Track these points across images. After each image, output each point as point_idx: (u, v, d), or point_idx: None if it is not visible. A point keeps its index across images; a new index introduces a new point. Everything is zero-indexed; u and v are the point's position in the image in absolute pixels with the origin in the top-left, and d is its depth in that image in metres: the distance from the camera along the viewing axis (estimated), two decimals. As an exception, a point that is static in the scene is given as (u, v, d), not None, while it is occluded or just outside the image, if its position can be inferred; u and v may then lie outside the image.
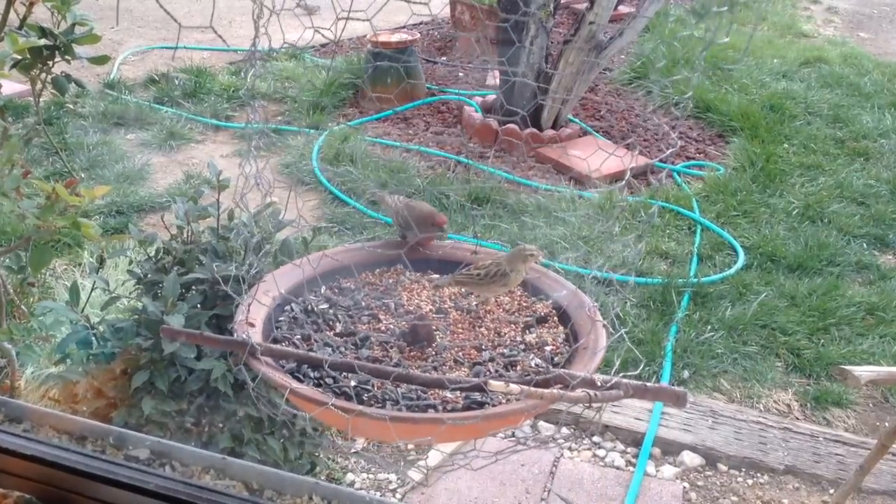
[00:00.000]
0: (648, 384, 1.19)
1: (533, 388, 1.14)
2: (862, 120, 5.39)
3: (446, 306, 1.51)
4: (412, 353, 1.36)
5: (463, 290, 1.53)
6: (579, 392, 1.16)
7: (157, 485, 0.86)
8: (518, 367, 1.33)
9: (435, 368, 1.32)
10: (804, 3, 8.25)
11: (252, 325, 1.31)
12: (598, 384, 1.18)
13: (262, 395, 1.22)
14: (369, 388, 1.25)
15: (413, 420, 1.17)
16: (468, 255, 1.58)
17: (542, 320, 1.46)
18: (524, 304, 1.51)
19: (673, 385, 3.22)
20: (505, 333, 1.43)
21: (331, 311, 1.46)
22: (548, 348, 1.37)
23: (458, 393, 1.23)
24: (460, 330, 1.44)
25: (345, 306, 1.48)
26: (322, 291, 1.52)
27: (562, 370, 1.21)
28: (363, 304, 1.49)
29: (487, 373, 1.30)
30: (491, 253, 1.61)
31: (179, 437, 1.84)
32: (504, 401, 1.21)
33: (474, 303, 1.52)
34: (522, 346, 1.39)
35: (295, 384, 1.19)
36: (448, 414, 1.18)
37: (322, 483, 1.11)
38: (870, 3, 8.52)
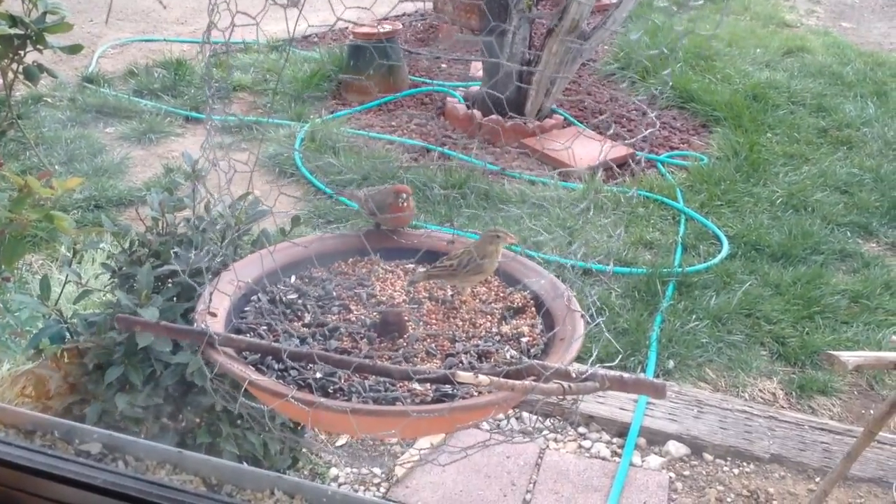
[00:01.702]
0: (626, 375, 1.16)
1: (503, 380, 1.11)
2: (845, 109, 5.39)
3: (421, 296, 1.48)
4: (382, 345, 1.33)
5: (437, 281, 1.50)
6: (552, 384, 1.13)
7: (106, 480, 0.82)
8: (492, 359, 1.30)
9: (406, 360, 1.29)
10: (786, -8, 8.25)
11: (213, 314, 1.28)
12: (573, 375, 1.14)
13: (220, 388, 1.18)
14: (335, 380, 1.21)
15: (376, 413, 1.14)
16: (443, 244, 1.55)
17: (519, 311, 1.43)
18: (501, 295, 1.48)
19: (658, 375, 3.21)
20: (480, 324, 1.40)
21: (300, 301, 1.43)
22: (524, 339, 1.34)
23: (427, 385, 1.20)
24: (434, 321, 1.41)
25: (315, 296, 1.45)
26: (292, 281, 1.48)
27: (534, 361, 1.17)
28: (334, 294, 1.46)
29: (460, 364, 1.27)
30: (465, 241, 1.58)
31: (155, 433, 1.81)
32: (476, 393, 1.18)
33: (450, 293, 1.49)
34: (498, 338, 1.36)
35: (254, 375, 1.15)
36: (413, 407, 1.15)
37: (284, 477, 1.07)
38: (852, -8, 8.54)
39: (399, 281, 1.51)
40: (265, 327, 1.35)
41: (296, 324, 1.38)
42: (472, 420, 1.15)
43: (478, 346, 1.33)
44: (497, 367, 1.21)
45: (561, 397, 1.13)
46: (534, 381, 1.12)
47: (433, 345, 1.33)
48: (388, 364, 1.20)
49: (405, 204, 1.56)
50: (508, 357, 1.29)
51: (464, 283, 1.46)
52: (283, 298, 1.43)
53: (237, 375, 1.15)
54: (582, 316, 1.31)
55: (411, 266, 1.53)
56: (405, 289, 1.49)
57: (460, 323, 1.41)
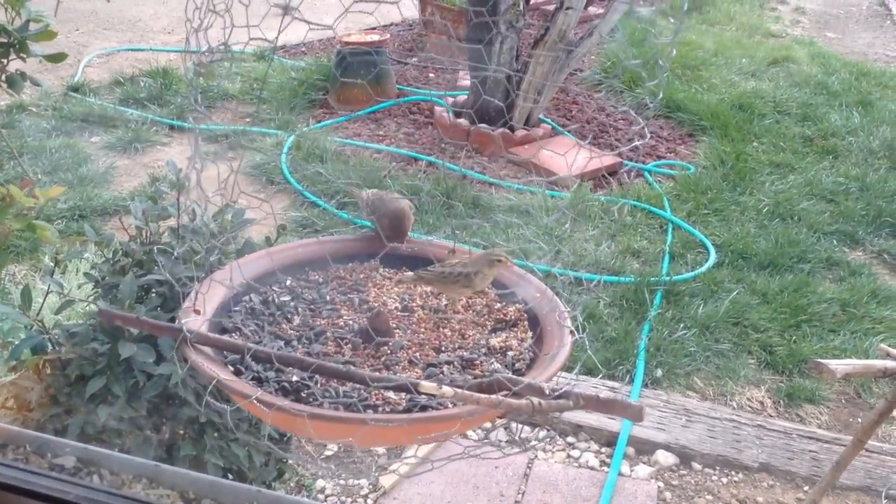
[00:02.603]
0: (602, 395, 1.12)
1: (467, 392, 1.08)
2: (830, 118, 5.43)
3: (414, 305, 1.47)
4: (366, 351, 1.32)
5: (430, 289, 1.49)
6: (522, 400, 1.09)
7: (79, 496, 0.79)
8: (475, 371, 1.28)
9: (387, 367, 1.28)
10: (772, 3, 8.31)
11: (198, 311, 1.28)
12: (547, 392, 1.11)
13: (188, 386, 1.17)
14: (310, 384, 1.21)
15: (333, 419, 1.13)
16: (443, 254, 1.54)
17: (512, 324, 1.42)
18: (496, 307, 1.47)
19: (646, 384, 3.20)
20: (470, 336, 1.38)
21: (292, 303, 1.43)
22: (510, 353, 1.33)
23: (402, 394, 1.19)
24: (423, 330, 1.40)
25: (308, 299, 1.45)
26: (287, 283, 1.48)
27: (502, 375, 1.15)
28: (327, 298, 1.45)
29: (441, 374, 1.26)
30: (465, 251, 1.56)
31: (138, 446, 1.78)
32: (451, 405, 1.16)
33: (444, 303, 1.47)
34: (485, 350, 1.34)
35: (223, 375, 1.15)
36: (371, 415, 1.13)
37: (264, 491, 1.05)
38: (836, 3, 8.61)
39: (395, 288, 1.50)
40: (253, 328, 1.34)
41: (284, 325, 1.38)
42: (437, 432, 1.13)
43: (462, 357, 1.31)
44: (471, 379, 1.19)
45: (530, 414, 1.10)
46: (505, 395, 1.09)
47: (417, 354, 1.32)
48: (348, 368, 1.19)
49: (400, 227, 1.56)
50: (491, 370, 1.28)
51: (451, 294, 1.45)
52: (276, 300, 1.43)
53: (206, 374, 1.15)
54: (571, 332, 1.30)
55: (410, 274, 1.52)
56: (400, 296, 1.48)
57: (449, 333, 1.39)
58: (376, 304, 1.45)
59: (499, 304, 1.48)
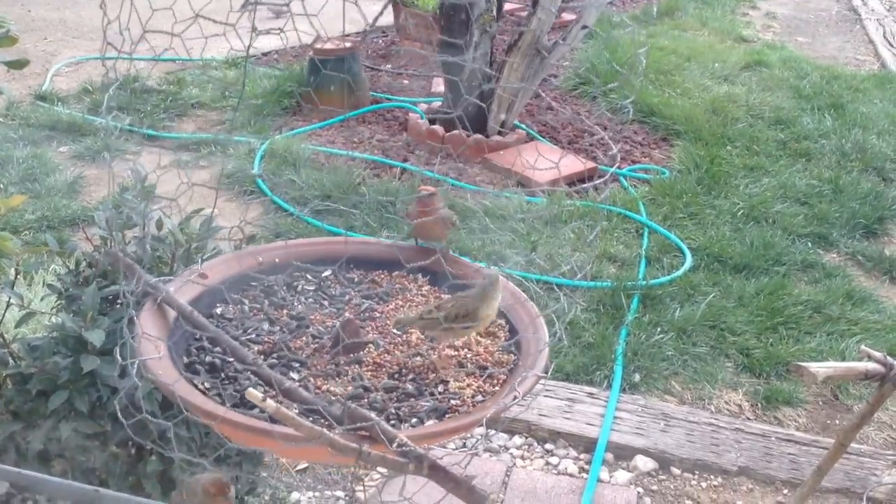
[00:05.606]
0: (452, 471, 1.04)
1: (287, 413, 1.03)
2: (802, 121, 5.46)
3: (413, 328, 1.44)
4: (325, 355, 1.32)
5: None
6: (350, 443, 1.03)
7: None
8: (407, 405, 1.27)
9: (326, 377, 1.28)
10: (743, 8, 8.37)
11: (204, 276, 1.35)
12: (396, 444, 1.05)
13: (154, 399, 1.21)
14: (238, 367, 1.27)
15: (189, 403, 1.18)
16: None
17: (489, 376, 1.37)
18: (491, 356, 1.43)
19: (624, 388, 3.18)
20: (436, 371, 1.35)
21: (311, 293, 1.45)
22: (454, 401, 1.29)
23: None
24: (397, 352, 1.37)
25: (329, 294, 1.46)
26: (324, 274, 1.50)
27: (355, 407, 1.11)
28: (346, 297, 1.46)
29: (367, 398, 1.25)
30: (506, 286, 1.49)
31: (103, 462, 1.72)
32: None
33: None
34: (438, 389, 1.31)
35: (145, 338, 1.20)
36: (193, 397, 1.19)
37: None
38: (807, 8, 8.69)
39: (419, 307, 1.47)
40: (257, 305, 1.39)
41: (282, 311, 1.40)
42: (253, 444, 1.14)
43: (406, 389, 1.29)
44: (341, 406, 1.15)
45: (356, 460, 1.03)
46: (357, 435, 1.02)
47: (368, 372, 1.30)
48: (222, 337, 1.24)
49: (426, 204, 1.56)
50: (424, 410, 1.25)
51: (455, 338, 1.39)
52: (301, 287, 1.46)
53: (138, 330, 1.21)
54: (515, 396, 1.25)
55: (447, 297, 1.49)
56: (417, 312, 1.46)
57: (420, 363, 1.36)
58: (379, 315, 1.43)
59: (498, 352, 1.43)
